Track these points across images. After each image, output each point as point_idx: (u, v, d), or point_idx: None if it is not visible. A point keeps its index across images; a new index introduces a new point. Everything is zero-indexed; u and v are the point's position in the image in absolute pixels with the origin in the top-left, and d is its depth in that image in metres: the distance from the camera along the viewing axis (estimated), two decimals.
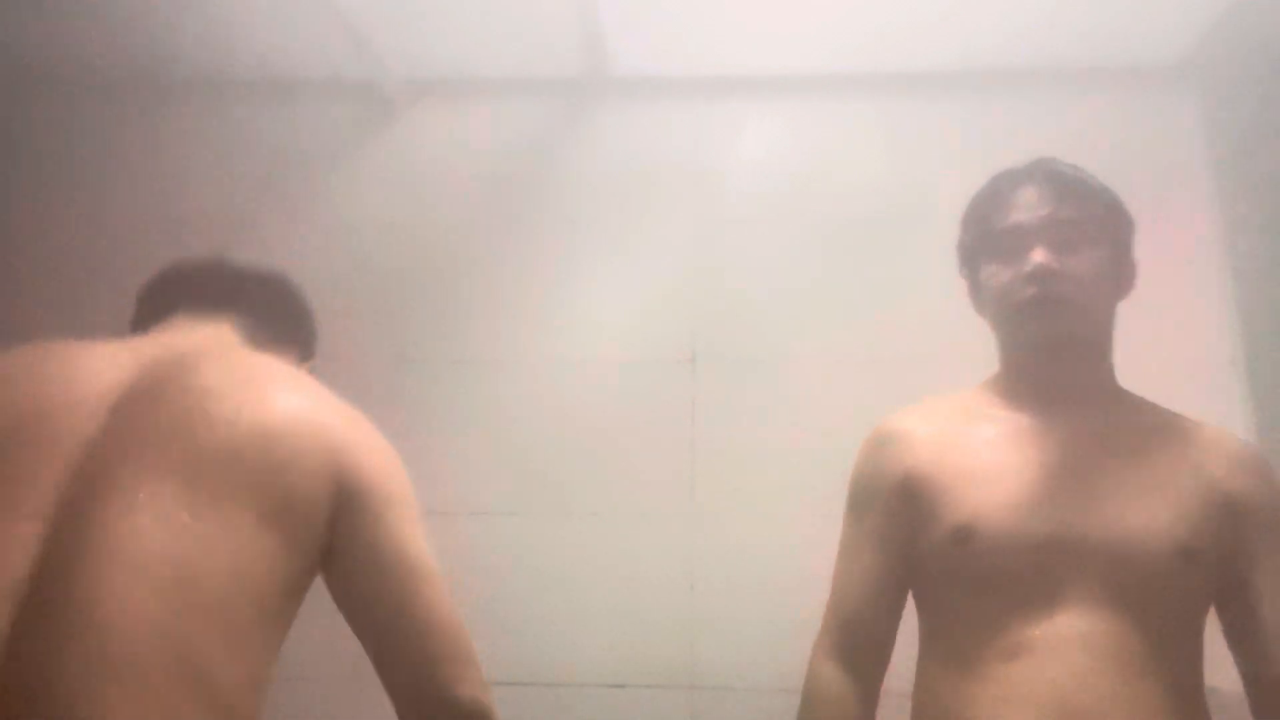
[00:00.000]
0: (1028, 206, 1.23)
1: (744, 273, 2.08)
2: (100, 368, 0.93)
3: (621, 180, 2.15)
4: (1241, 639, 1.15)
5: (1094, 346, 1.25)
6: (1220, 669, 1.70)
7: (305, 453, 0.92)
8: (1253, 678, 1.13)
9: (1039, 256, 1.18)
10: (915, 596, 1.26)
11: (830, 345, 2.01)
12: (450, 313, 2.09)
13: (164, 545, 0.82)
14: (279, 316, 1.17)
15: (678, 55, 2.15)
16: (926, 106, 2.14)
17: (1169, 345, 1.97)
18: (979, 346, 1.94)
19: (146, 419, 0.89)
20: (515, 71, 2.20)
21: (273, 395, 0.95)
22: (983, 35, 2.03)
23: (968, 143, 2.09)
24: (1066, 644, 1.08)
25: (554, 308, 2.08)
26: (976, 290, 1.31)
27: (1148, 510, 1.13)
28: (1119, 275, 1.26)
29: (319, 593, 1.00)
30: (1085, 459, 1.17)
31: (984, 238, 1.27)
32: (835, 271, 2.05)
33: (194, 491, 0.85)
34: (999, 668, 1.10)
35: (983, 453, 1.21)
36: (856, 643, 1.22)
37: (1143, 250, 2.03)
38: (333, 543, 0.94)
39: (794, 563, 1.88)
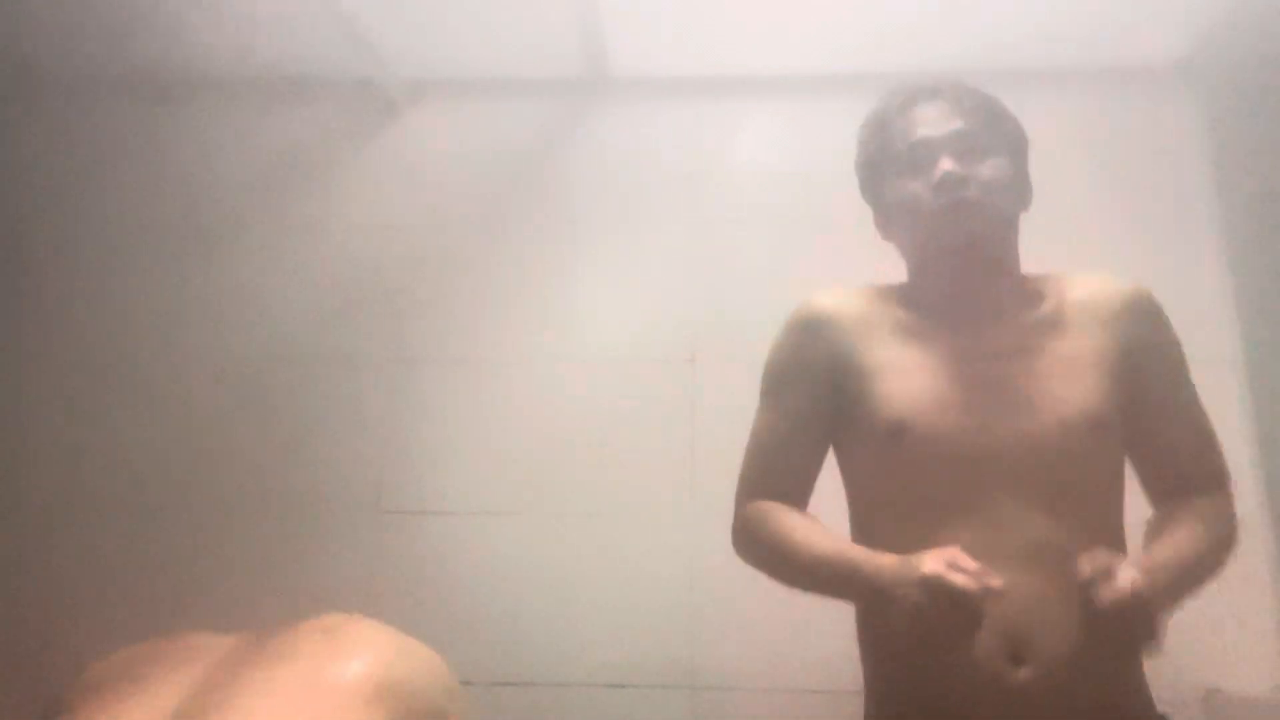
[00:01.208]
0: (931, 122, 1.26)
1: (744, 273, 2.07)
2: (204, 645, 1.10)
3: (621, 180, 2.15)
4: (1143, 456, 1.24)
5: (1004, 252, 1.29)
6: (1221, 670, 1.71)
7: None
8: (1157, 490, 1.23)
9: (947, 164, 1.22)
10: (846, 483, 1.30)
11: None
12: (450, 313, 2.09)
13: None
14: None
15: (678, 55, 2.15)
16: None
17: None
18: None
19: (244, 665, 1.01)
20: (515, 71, 2.20)
21: (360, 654, 1.05)
22: (983, 35, 2.03)
23: None
24: (999, 543, 1.11)
25: (554, 308, 2.08)
26: (883, 211, 1.35)
27: (1059, 392, 1.17)
28: (1020, 188, 1.30)
29: None
30: (1000, 355, 1.22)
31: (889, 155, 1.29)
32: (835, 271, 2.04)
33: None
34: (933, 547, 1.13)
35: (910, 350, 1.24)
36: (777, 487, 1.29)
37: (1143, 250, 2.05)
38: None
39: None
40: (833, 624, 1.84)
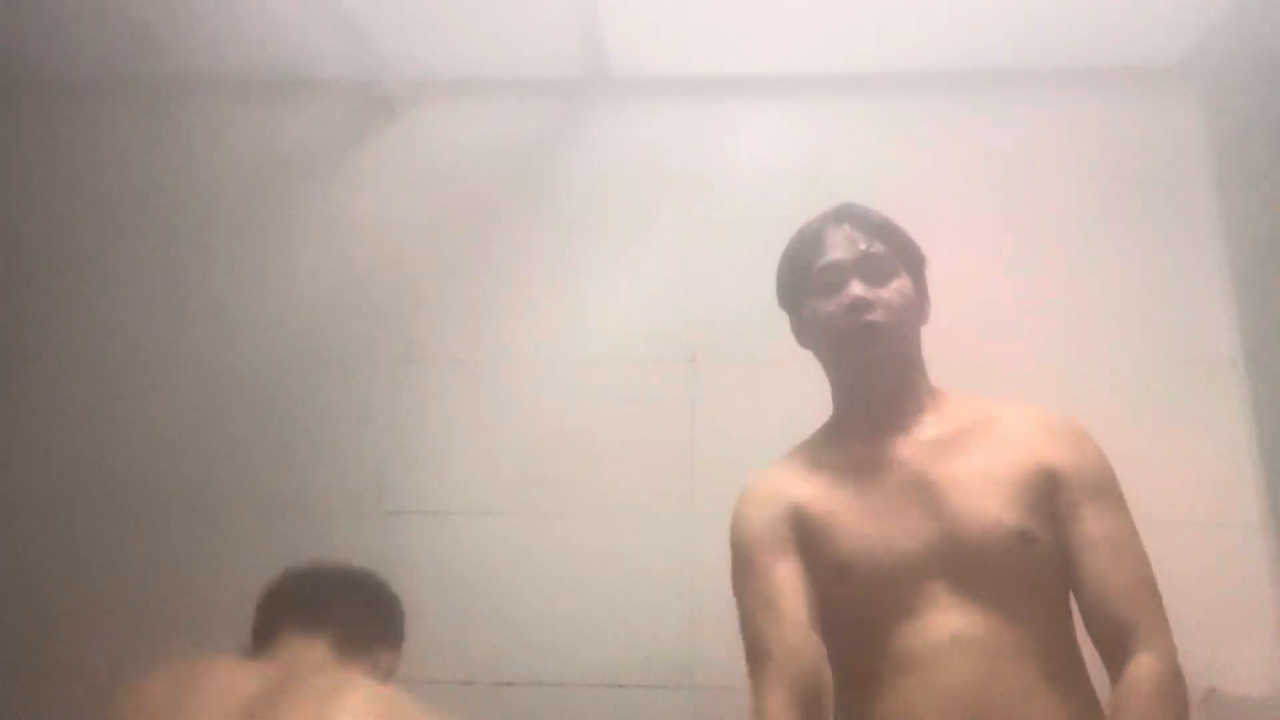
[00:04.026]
0: (841, 245, 1.38)
1: (744, 273, 2.07)
2: (232, 684, 1.17)
3: (621, 180, 2.15)
4: (1078, 593, 1.24)
5: (909, 364, 1.40)
6: (1221, 670, 1.71)
7: None
8: (1095, 631, 1.22)
9: (856, 289, 1.34)
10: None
11: None
12: (451, 313, 2.09)
13: None
14: (367, 619, 1.46)
15: (678, 55, 2.15)
16: (926, 106, 2.14)
17: (1169, 345, 1.97)
18: (977, 347, 1.94)
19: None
20: (515, 71, 2.20)
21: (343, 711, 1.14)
22: (983, 35, 2.03)
23: (968, 143, 2.09)
24: (947, 647, 1.19)
25: (554, 308, 2.08)
26: (800, 325, 1.46)
27: (981, 505, 1.25)
28: (920, 303, 1.41)
29: None
30: (924, 472, 1.30)
31: (804, 277, 1.40)
32: None
33: None
34: (892, 680, 1.21)
35: (844, 491, 1.32)
36: (815, 687, 1.24)
37: (1143, 251, 2.05)
38: None
39: None
40: None
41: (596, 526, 1.94)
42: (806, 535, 1.31)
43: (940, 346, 1.93)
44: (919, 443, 1.34)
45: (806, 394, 1.98)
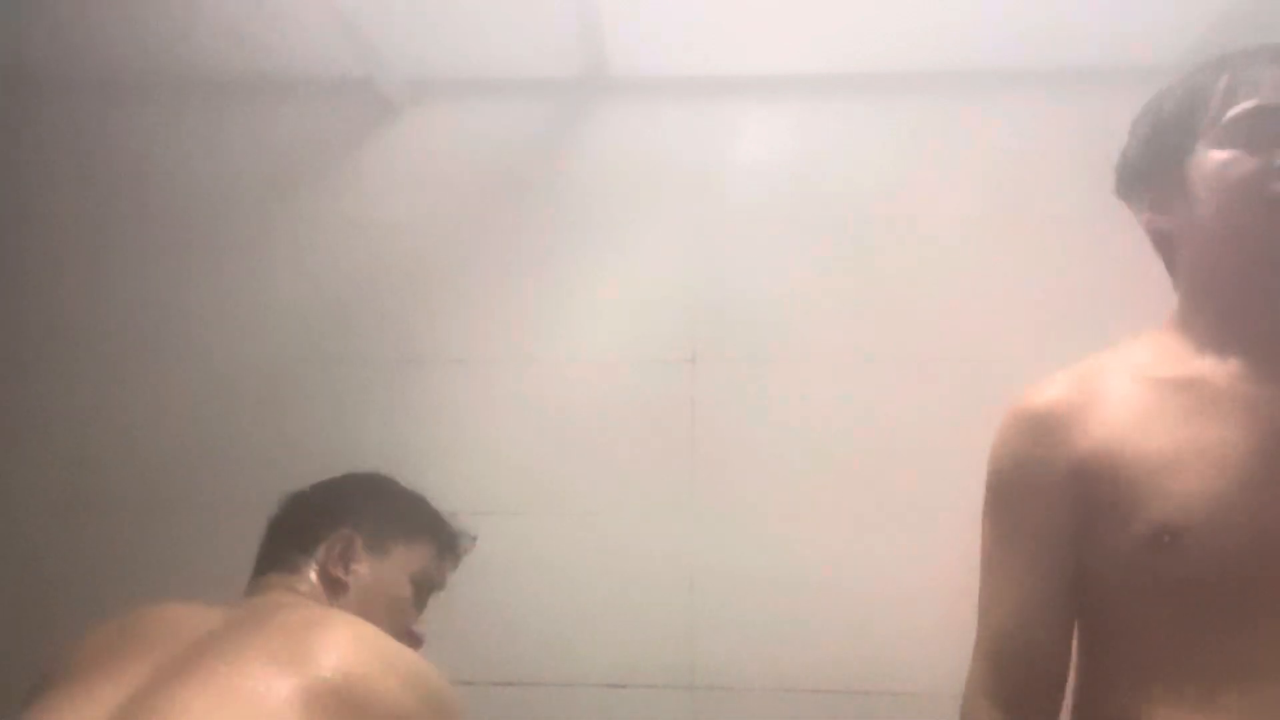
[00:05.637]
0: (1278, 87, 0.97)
1: (744, 273, 2.08)
2: (191, 622, 1.13)
3: (621, 180, 2.15)
4: None
5: None
6: None
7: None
8: None
9: None
10: (1083, 606, 1.05)
11: (830, 345, 2.01)
12: (451, 313, 2.09)
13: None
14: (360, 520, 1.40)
15: (678, 55, 2.14)
16: (926, 106, 2.14)
17: None
18: (975, 346, 1.94)
19: (220, 651, 1.05)
20: (515, 71, 2.20)
21: (323, 649, 1.06)
22: (983, 35, 2.03)
23: (968, 143, 2.09)
24: None
25: (553, 308, 2.08)
26: (1167, 194, 1.06)
27: None
28: None
29: None
30: None
31: (1207, 119, 1.01)
32: (835, 271, 2.05)
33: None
34: (1214, 698, 0.90)
35: (1182, 427, 0.96)
36: (1022, 682, 1.01)
37: (1143, 252, 2.04)
38: None
39: (794, 563, 1.89)
40: (833, 624, 1.85)
41: (596, 526, 1.94)
42: (1104, 487, 0.97)
43: (939, 346, 1.94)
44: None
45: (806, 394, 1.99)
